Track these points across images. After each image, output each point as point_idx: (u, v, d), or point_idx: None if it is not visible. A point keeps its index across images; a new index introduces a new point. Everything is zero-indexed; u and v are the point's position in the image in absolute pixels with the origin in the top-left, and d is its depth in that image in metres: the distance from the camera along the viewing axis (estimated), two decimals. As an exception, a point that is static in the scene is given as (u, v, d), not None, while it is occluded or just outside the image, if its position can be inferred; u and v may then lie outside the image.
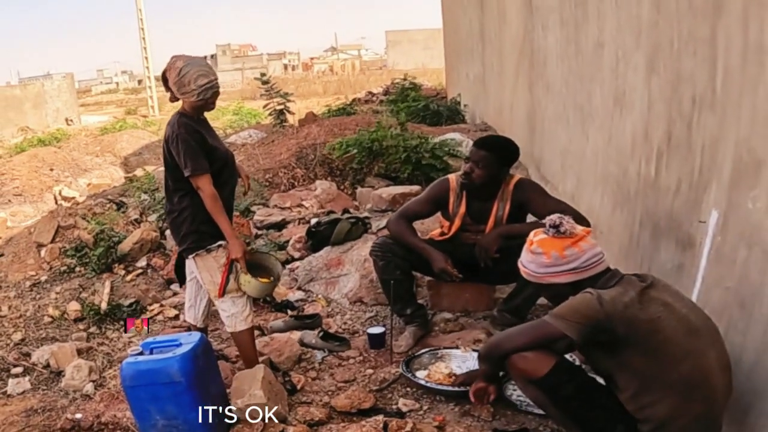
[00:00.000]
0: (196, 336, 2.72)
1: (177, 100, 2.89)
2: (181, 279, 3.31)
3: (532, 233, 2.28)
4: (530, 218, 3.40)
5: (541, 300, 3.42)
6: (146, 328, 4.15)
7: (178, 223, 2.91)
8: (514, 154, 3.35)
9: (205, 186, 2.79)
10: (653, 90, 3.01)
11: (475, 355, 2.98)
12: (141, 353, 2.64)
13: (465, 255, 3.30)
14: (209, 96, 2.84)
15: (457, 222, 3.35)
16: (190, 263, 3.03)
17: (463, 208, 3.33)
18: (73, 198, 8.81)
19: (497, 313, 3.37)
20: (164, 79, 2.90)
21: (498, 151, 3.24)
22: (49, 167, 10.70)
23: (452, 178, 3.43)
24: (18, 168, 10.42)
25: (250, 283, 2.89)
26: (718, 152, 2.36)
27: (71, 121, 23.15)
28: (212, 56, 54.10)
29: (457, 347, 3.16)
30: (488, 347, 2.33)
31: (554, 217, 2.20)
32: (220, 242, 2.89)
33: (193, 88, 2.79)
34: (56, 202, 8.94)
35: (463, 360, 3.02)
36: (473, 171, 3.21)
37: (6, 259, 6.16)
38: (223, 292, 2.93)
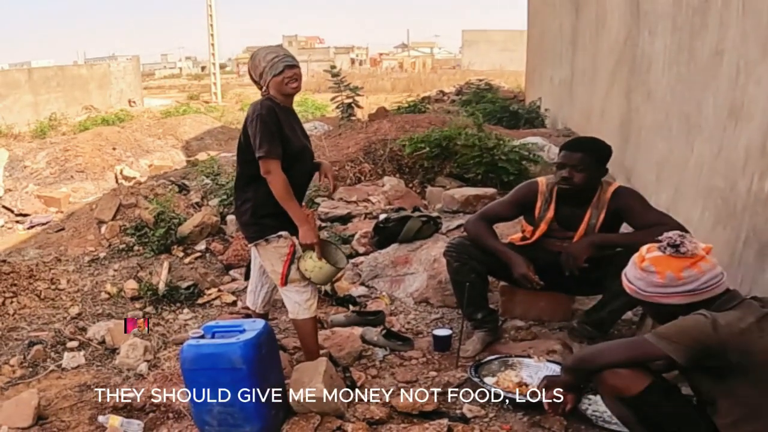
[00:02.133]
0: (260, 323, 2.79)
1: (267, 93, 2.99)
2: (249, 273, 3.43)
3: (644, 248, 2.21)
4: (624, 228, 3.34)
5: (626, 315, 3.35)
6: (147, 328, 4.20)
7: (241, 212, 3.02)
8: (608, 151, 3.30)
9: (275, 170, 2.84)
10: (777, 103, 2.92)
11: (549, 365, 2.97)
12: (202, 336, 2.72)
13: (547, 262, 3.26)
14: (280, 69, 2.90)
15: (543, 227, 3.31)
16: (253, 250, 3.13)
17: (551, 213, 3.29)
18: (134, 178, 9.19)
19: (577, 324, 3.31)
20: (251, 77, 3.06)
21: (595, 152, 3.21)
22: (112, 146, 11.18)
23: (541, 181, 3.39)
24: (82, 145, 10.94)
25: (321, 268, 2.93)
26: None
27: (134, 102, 24.19)
28: (278, 47, 55.28)
29: (529, 356, 3.12)
30: (578, 359, 2.29)
31: (674, 235, 2.13)
32: (280, 233, 2.96)
33: (264, 65, 2.91)
34: (117, 181, 9.35)
35: (535, 370, 2.98)
36: (573, 176, 3.16)
37: (67, 234, 6.49)
38: (285, 281, 3.01)
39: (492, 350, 3.32)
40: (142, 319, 4.23)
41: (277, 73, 2.91)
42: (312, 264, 2.93)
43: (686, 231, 3.00)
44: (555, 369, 2.91)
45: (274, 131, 2.85)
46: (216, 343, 2.67)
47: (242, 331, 2.71)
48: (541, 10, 12.51)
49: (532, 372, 2.97)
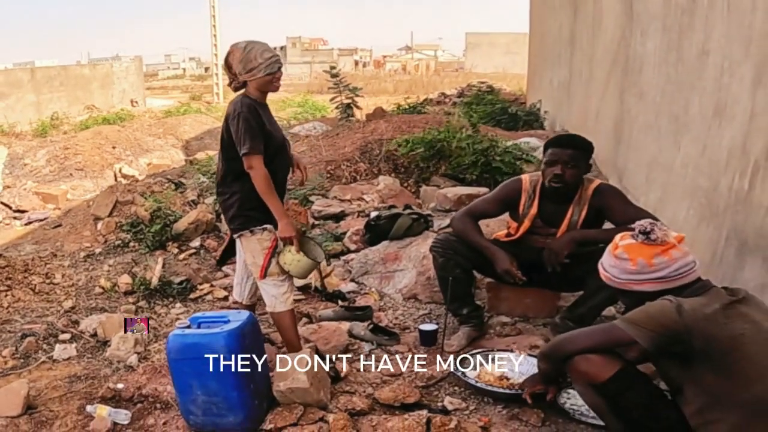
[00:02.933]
0: (245, 314, 2.84)
1: (240, 87, 3.06)
2: (223, 261, 3.53)
3: (618, 236, 2.28)
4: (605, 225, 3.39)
5: (607, 311, 3.40)
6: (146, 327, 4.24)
7: (228, 206, 3.10)
8: (593, 148, 3.36)
9: (257, 166, 2.93)
10: (758, 102, 2.98)
11: (530, 359, 3.01)
12: (188, 327, 2.77)
13: (531, 258, 3.31)
14: (275, 70, 3.00)
15: (527, 223, 3.36)
16: (237, 243, 3.21)
17: (534, 209, 3.34)
18: (133, 176, 9.26)
19: (559, 320, 3.36)
20: (227, 65, 3.06)
21: (585, 148, 3.28)
22: (112, 145, 11.27)
23: (525, 178, 3.45)
24: (82, 144, 11.03)
25: (299, 261, 3.00)
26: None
27: (136, 102, 24.28)
28: (282, 48, 55.64)
29: (511, 350, 3.17)
30: (551, 346, 2.35)
31: (645, 223, 2.19)
32: (265, 225, 3.05)
33: (260, 62, 2.96)
34: (116, 179, 9.43)
35: (515, 363, 3.03)
36: (565, 173, 3.20)
37: (63, 230, 6.56)
38: (264, 274, 3.09)
39: (477, 345, 3.37)
40: (140, 318, 4.31)
41: (272, 72, 2.99)
42: (290, 257, 3.00)
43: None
44: (533, 362, 2.97)
45: (255, 128, 2.93)
46: (200, 333, 2.72)
47: (227, 321, 2.76)
48: (542, 11, 12.53)
49: (512, 366, 3.02)
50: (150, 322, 4.23)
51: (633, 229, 2.22)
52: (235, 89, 3.11)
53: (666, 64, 4.34)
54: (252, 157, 2.92)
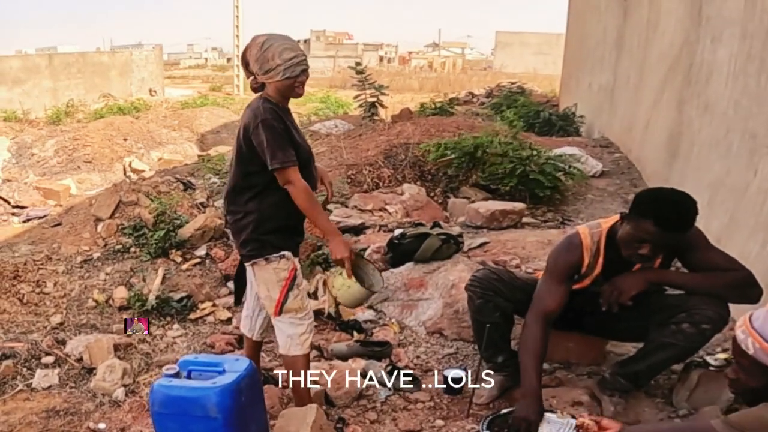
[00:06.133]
0: (243, 363, 2.48)
1: (259, 88, 2.67)
2: (239, 293, 3.09)
3: None
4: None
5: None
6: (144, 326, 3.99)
7: (240, 227, 2.69)
8: None
9: (296, 179, 2.55)
10: None
11: (574, 422, 2.54)
12: (177, 374, 2.42)
13: (582, 303, 2.82)
14: (297, 74, 2.58)
15: (586, 282, 2.82)
16: (248, 271, 2.81)
17: (599, 270, 2.77)
18: (143, 171, 8.93)
19: (609, 375, 2.88)
20: (245, 61, 2.67)
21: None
22: (123, 137, 10.95)
23: (584, 234, 2.79)
24: (92, 134, 10.72)
25: (350, 288, 2.61)
26: None
27: (155, 92, 24.12)
28: (305, 41, 55.52)
29: (551, 409, 2.69)
30: None
31: None
32: (282, 252, 2.64)
33: (278, 63, 2.54)
34: (125, 173, 9.10)
35: (557, 427, 2.56)
36: (656, 254, 2.58)
37: (62, 229, 6.22)
38: (280, 311, 2.68)
39: (510, 397, 2.94)
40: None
41: (292, 76, 2.58)
42: (340, 282, 2.61)
43: (756, 282, 2.58)
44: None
45: (284, 136, 2.54)
46: (190, 385, 2.35)
47: (222, 371, 2.38)
48: (584, 12, 12.09)
49: (553, 429, 2.56)
50: (143, 346, 3.86)
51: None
52: (254, 90, 2.70)
53: (744, 75, 3.86)
54: (287, 170, 2.53)
